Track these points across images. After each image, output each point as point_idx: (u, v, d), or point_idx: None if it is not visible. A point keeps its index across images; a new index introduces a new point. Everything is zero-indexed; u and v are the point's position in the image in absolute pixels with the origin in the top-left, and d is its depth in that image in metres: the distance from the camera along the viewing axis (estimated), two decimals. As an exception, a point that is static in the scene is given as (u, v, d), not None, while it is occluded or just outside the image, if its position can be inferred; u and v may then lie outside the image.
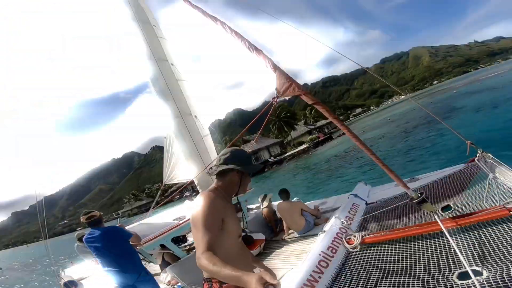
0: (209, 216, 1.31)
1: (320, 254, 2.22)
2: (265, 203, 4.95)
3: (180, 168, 5.98)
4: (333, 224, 2.71)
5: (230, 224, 1.40)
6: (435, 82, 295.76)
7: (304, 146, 44.26)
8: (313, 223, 4.20)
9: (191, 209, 1.42)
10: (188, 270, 3.46)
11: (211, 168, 1.57)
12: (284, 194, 4.40)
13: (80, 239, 4.65)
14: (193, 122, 5.26)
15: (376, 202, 3.52)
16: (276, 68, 2.59)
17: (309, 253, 2.30)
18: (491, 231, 1.81)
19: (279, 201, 4.53)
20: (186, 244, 4.93)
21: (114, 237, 2.99)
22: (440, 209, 2.42)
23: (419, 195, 2.04)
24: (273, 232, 4.87)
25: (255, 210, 5.68)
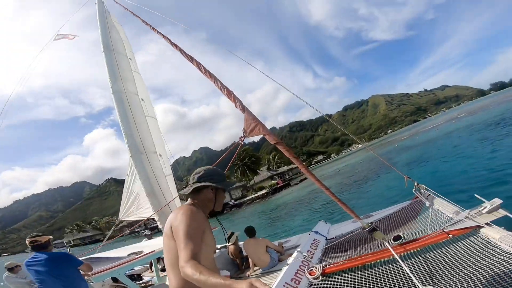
0: (193, 226, 1.30)
1: (284, 286, 2.29)
2: (232, 241, 4.92)
3: (139, 205, 5.82)
4: (295, 257, 2.84)
5: (208, 238, 1.42)
6: (389, 131, 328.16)
7: (263, 191, 45.88)
8: (277, 260, 4.24)
9: (173, 219, 1.38)
10: None
11: (186, 186, 1.60)
12: (251, 232, 4.49)
13: (10, 269, 4.29)
14: (157, 160, 5.26)
15: (335, 237, 3.78)
16: (244, 109, 2.86)
17: (273, 285, 2.34)
18: (436, 253, 2.06)
19: (245, 240, 4.58)
20: (141, 282, 4.62)
21: (62, 263, 2.88)
22: (392, 239, 2.66)
23: (369, 224, 2.29)
24: (239, 269, 4.82)
25: (220, 249, 5.61)
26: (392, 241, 2.59)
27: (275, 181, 53.74)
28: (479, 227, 1.90)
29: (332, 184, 24.55)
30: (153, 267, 6.09)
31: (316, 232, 4.03)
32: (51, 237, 3.11)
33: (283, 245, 4.78)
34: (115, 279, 3.90)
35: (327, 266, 2.49)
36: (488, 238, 1.80)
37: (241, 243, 4.90)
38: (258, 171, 59.24)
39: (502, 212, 1.92)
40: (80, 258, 4.37)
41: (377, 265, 2.29)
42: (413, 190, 2.91)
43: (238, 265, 4.85)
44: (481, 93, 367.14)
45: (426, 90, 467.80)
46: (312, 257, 2.91)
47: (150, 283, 5.48)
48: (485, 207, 2.00)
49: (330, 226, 4.69)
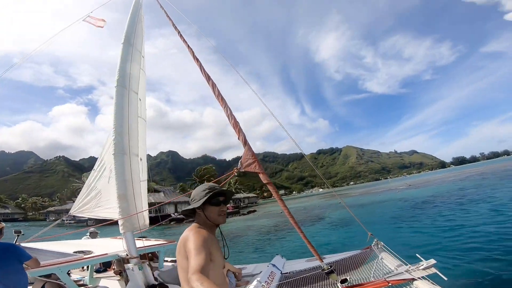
0: (199, 242, 1.44)
1: None
2: None
3: (98, 203, 5.61)
4: (255, 286, 3.16)
5: (216, 256, 1.54)
6: (352, 183, 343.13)
7: (211, 213, 44.99)
8: (235, 285, 4.31)
9: (185, 239, 1.54)
10: None
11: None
12: None
13: None
14: (137, 163, 5.17)
15: (289, 272, 4.08)
16: (246, 143, 3.08)
17: None
18: None
19: None
20: None
21: (8, 255, 2.70)
22: (339, 281, 2.99)
23: (329, 266, 2.61)
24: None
25: (173, 263, 5.57)
26: (340, 283, 2.91)
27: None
28: (413, 279, 2.36)
29: (270, 223, 25.75)
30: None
31: (274, 265, 4.30)
32: (4, 225, 2.97)
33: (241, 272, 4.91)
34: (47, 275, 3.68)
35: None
36: None
37: None
38: (214, 191, 59.12)
39: (433, 270, 2.45)
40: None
41: None
42: (372, 245, 3.47)
43: None
44: (442, 165, 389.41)
45: (395, 152, 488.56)
46: None
47: (81, 282, 5.20)
48: (422, 265, 2.53)
49: (285, 261, 4.94)
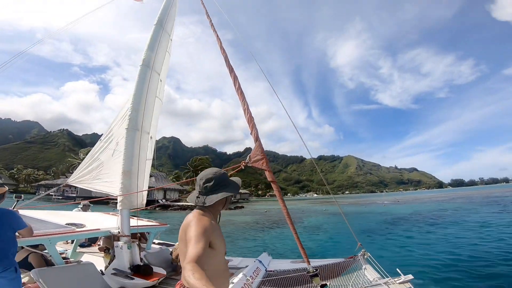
0: (201, 233, 1.41)
1: None
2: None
3: (97, 176, 5.57)
4: (240, 279, 3.25)
5: (217, 243, 1.52)
6: (347, 192, 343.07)
7: (195, 203, 44.87)
8: None
9: (186, 226, 1.52)
10: (62, 280, 3.13)
11: (204, 202, 1.59)
12: None
13: None
14: (146, 141, 5.22)
15: (273, 271, 4.22)
16: (257, 139, 3.12)
17: None
18: None
19: None
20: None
21: (2, 221, 2.51)
22: (319, 286, 3.11)
23: (315, 270, 2.70)
24: (175, 271, 4.78)
25: (161, 246, 5.68)
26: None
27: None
28: None
29: (252, 220, 26.00)
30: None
31: (260, 261, 4.39)
32: (6, 188, 2.75)
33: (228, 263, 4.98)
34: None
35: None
36: None
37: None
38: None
39: (409, 285, 2.63)
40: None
41: None
42: (359, 254, 3.59)
43: (176, 267, 4.84)
44: (440, 185, 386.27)
45: (396, 168, 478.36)
46: (252, 283, 3.30)
47: (64, 255, 5.10)
48: (400, 279, 2.69)
49: (271, 259, 5.02)
